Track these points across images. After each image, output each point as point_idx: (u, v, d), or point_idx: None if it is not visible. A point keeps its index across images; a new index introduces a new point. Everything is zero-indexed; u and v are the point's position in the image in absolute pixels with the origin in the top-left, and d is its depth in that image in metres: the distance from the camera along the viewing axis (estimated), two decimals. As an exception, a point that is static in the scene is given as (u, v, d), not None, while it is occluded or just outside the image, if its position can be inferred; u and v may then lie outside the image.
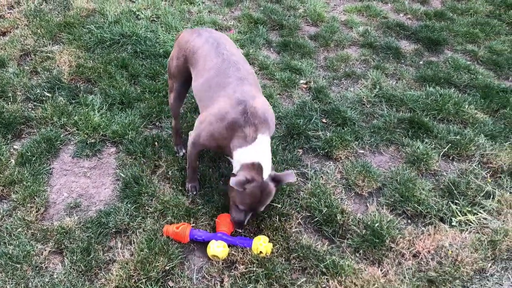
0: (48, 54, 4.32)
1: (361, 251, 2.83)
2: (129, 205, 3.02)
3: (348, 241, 2.89)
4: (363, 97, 4.10)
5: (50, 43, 4.49)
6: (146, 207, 3.01)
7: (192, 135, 2.89)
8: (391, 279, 2.67)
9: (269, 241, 2.78)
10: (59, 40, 4.56)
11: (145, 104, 3.84)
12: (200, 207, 3.02)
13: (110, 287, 2.55)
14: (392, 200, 3.17)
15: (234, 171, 2.70)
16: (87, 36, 4.56)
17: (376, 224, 2.94)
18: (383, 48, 4.87)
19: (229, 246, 2.76)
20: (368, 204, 3.16)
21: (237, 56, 2.94)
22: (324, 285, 2.63)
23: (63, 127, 3.61)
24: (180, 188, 3.17)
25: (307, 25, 5.39)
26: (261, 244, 2.71)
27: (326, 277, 2.66)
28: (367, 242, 2.86)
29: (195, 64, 2.97)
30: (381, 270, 2.72)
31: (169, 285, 2.63)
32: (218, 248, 2.70)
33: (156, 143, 3.49)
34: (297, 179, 3.19)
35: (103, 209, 3.01)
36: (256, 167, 2.56)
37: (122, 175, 3.23)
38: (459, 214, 3.09)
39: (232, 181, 2.52)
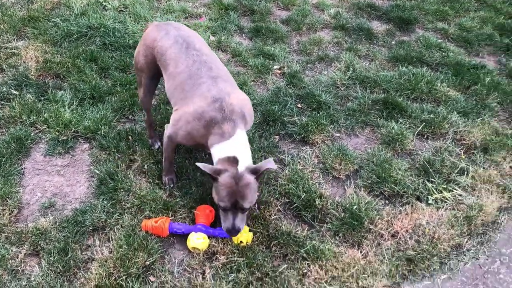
0: (13, 50, 4.17)
1: (340, 235, 2.85)
2: (105, 202, 2.97)
3: (327, 225, 2.91)
4: (337, 80, 4.10)
5: (14, 39, 4.33)
6: (123, 203, 2.97)
7: (168, 130, 2.84)
8: (371, 260, 2.71)
9: (249, 230, 2.78)
10: (24, 35, 4.41)
11: (116, 97, 3.76)
12: (178, 200, 2.99)
13: (90, 286, 2.52)
14: (369, 182, 3.19)
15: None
16: (53, 30, 4.42)
17: (355, 207, 2.96)
18: (355, 29, 4.86)
19: (209, 237, 2.75)
20: (346, 187, 3.18)
21: (208, 54, 2.88)
22: (305, 270, 2.65)
23: (33, 125, 3.51)
24: (157, 181, 3.13)
25: (278, 9, 5.34)
26: (242, 234, 2.71)
27: (307, 262, 2.68)
28: (346, 225, 2.88)
29: (166, 66, 2.91)
30: (361, 252, 2.75)
31: (150, 280, 2.61)
32: (198, 240, 2.69)
33: (130, 137, 3.42)
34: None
35: (78, 208, 2.95)
36: (231, 160, 2.50)
37: (97, 171, 3.17)
38: (435, 192, 3.14)
39: (202, 166, 2.47)
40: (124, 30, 4.53)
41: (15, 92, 3.77)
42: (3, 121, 3.52)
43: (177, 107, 2.80)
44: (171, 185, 3.09)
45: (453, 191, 3.14)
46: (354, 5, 5.35)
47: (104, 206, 2.94)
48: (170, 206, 2.94)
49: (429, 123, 3.66)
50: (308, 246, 2.73)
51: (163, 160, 3.05)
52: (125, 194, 3.02)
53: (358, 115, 3.73)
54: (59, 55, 4.16)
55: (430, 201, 3.08)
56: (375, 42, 4.71)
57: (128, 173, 3.18)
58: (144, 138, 3.41)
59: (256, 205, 2.94)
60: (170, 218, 2.87)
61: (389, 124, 3.64)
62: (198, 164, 2.47)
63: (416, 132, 3.60)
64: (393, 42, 4.64)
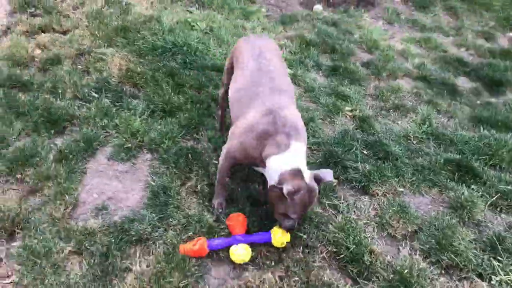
0: (102, 56, 4.44)
1: (386, 298, 2.65)
2: (153, 214, 2.99)
3: (373, 284, 2.72)
4: (410, 132, 3.90)
5: (105, 45, 4.61)
6: (170, 219, 2.97)
7: (224, 148, 2.91)
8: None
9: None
10: (114, 43, 4.68)
11: (186, 114, 3.84)
12: (223, 227, 2.95)
13: (122, 298, 2.53)
14: (427, 246, 2.95)
15: (271, 182, 2.62)
16: (140, 42, 4.65)
17: (406, 270, 2.74)
18: (438, 83, 4.63)
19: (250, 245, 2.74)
20: (400, 248, 2.97)
21: (276, 67, 2.98)
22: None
23: (104, 129, 3.67)
24: (207, 203, 3.11)
25: (361, 51, 5.25)
26: (282, 236, 2.72)
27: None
28: (394, 288, 2.67)
29: (236, 68, 3.12)
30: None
31: (181, 305, 2.57)
32: (241, 253, 2.69)
33: (190, 155, 3.46)
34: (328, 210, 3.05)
35: (127, 215, 3.00)
36: (297, 174, 2.51)
37: (152, 183, 3.22)
38: (501, 272, 2.82)
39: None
40: (206, 51, 4.66)
41: (95, 95, 3.98)
42: (78, 120, 3.72)
43: (234, 122, 2.90)
44: (220, 210, 3.06)
45: (522, 275, 2.81)
46: (441, 58, 5.14)
47: (152, 219, 2.96)
48: (214, 231, 2.90)
49: (505, 195, 3.34)
50: (349, 303, 2.56)
51: (216, 182, 3.03)
52: (174, 210, 3.03)
53: (427, 173, 3.50)
54: (141, 66, 4.35)
55: (493, 282, 2.77)
56: (458, 98, 4.45)
57: (180, 190, 3.19)
58: (203, 158, 3.43)
59: None
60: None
61: (460, 188, 3.37)
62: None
63: (489, 202, 3.30)
64: (478, 102, 4.36)
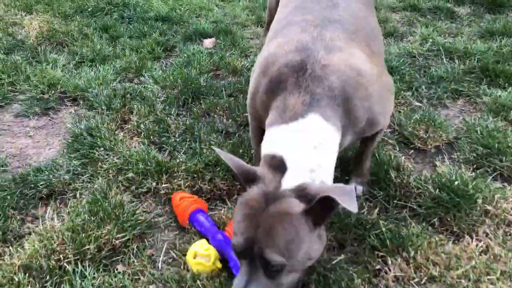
0: (16, 20, 3.54)
1: (436, 221, 1.70)
2: (74, 162, 2.03)
3: (413, 206, 1.78)
4: (413, 50, 3.07)
5: (21, 14, 3.71)
6: (99, 164, 2.01)
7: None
8: (497, 254, 1.53)
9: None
10: (34, 10, 3.78)
11: (122, 60, 2.95)
12: (180, 161, 1.99)
13: (13, 267, 1.51)
14: (474, 155, 2.05)
15: None
16: (66, 4, 3.80)
17: (456, 182, 1.81)
18: (430, 10, 3.86)
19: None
20: (437, 163, 2.04)
21: None
22: (377, 266, 1.51)
23: (12, 85, 2.72)
24: (156, 142, 2.17)
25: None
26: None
27: (380, 253, 1.55)
28: (445, 207, 1.73)
29: None
30: (477, 245, 1.57)
31: (117, 269, 1.57)
32: (202, 258, 1.55)
33: (128, 94, 2.53)
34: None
35: (33, 166, 2.02)
36: (275, 164, 1.34)
37: (73, 128, 2.26)
38: None
39: (224, 155, 1.37)
40: (147, 6, 3.82)
41: (2, 56, 3.05)
42: (-22, 80, 2.77)
43: None
44: None
45: None
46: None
47: (72, 166, 2.00)
48: (166, 168, 1.94)
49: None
50: (383, 228, 1.61)
51: None
52: (104, 153, 2.07)
53: (446, 84, 2.64)
54: (65, 26, 3.47)
55: None
56: (458, 21, 3.67)
57: (116, 132, 2.25)
58: (147, 97, 2.51)
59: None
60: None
61: (494, 92, 2.52)
62: (215, 149, 1.44)
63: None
64: (482, 24, 3.57)
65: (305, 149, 1.35)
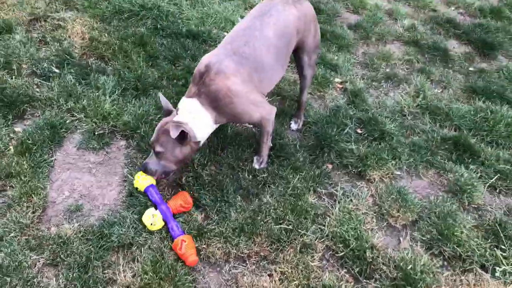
0: (60, 22, 3.90)
1: (392, 298, 2.52)
2: (135, 216, 2.70)
3: (376, 283, 2.57)
4: (404, 107, 3.66)
5: (63, 8, 4.04)
6: (154, 220, 2.70)
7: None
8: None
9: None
10: (73, 6, 4.11)
11: (162, 91, 3.46)
12: (213, 226, 2.70)
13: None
14: (428, 237, 2.82)
15: None
16: (103, 4, 4.11)
17: (409, 266, 2.60)
18: (430, 48, 4.35)
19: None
20: (401, 238, 2.82)
21: (266, 36, 2.74)
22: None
23: (69, 112, 3.26)
24: (195, 195, 2.84)
25: (347, 12, 4.86)
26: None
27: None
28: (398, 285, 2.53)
29: None
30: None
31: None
32: (147, 219, 2.64)
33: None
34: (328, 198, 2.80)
35: (106, 218, 2.70)
36: (173, 112, 2.70)
37: (130, 177, 2.89)
38: (504, 262, 2.73)
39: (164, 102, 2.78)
40: (178, 14, 4.17)
41: (56, 70, 3.51)
42: (39, 102, 3.28)
43: None
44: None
45: (525, 264, 2.74)
46: (431, 19, 4.82)
47: (133, 221, 2.68)
48: (203, 232, 2.65)
49: (504, 175, 3.21)
50: (353, 308, 2.42)
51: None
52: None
53: (423, 153, 3.31)
54: (106, 34, 3.86)
55: (497, 273, 2.68)
56: (450, 66, 4.20)
57: (163, 184, 2.90)
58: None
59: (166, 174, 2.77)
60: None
61: (458, 169, 3.21)
62: (160, 95, 2.81)
63: (488, 184, 3.16)
64: (471, 69, 4.12)
65: (186, 114, 2.64)
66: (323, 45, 4.23)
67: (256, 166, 3.03)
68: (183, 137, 2.59)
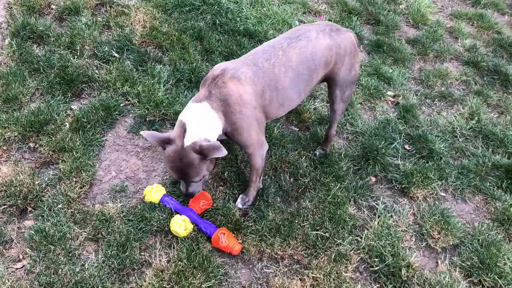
0: (124, 9, 4.03)
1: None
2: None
3: (409, 303, 2.52)
4: (457, 128, 3.56)
5: (128, -4, 4.18)
6: (194, 210, 2.75)
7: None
8: None
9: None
10: (139, -7, 4.24)
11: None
12: (250, 223, 2.72)
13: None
14: (468, 263, 2.72)
15: None
16: (167, -4, 4.23)
17: (446, 291, 2.53)
18: (490, 70, 4.21)
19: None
20: (439, 261, 2.74)
21: (288, 58, 2.57)
22: None
23: (124, 96, 3.37)
24: (234, 193, 2.87)
25: (406, 25, 4.78)
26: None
27: None
28: (431, 310, 2.48)
29: None
30: None
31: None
32: (179, 227, 2.59)
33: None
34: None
35: (148, 202, 2.77)
36: (182, 128, 2.36)
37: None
38: (547, 301, 2.61)
39: (147, 134, 2.43)
40: (237, 12, 4.23)
41: (116, 55, 3.64)
42: (97, 83, 3.41)
43: None
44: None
45: None
46: (495, 41, 4.66)
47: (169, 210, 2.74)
48: (240, 228, 2.68)
49: (556, 210, 3.07)
50: (383, 325, 2.37)
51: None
52: (197, 200, 2.79)
53: (472, 177, 3.21)
54: (167, 24, 3.96)
55: (538, 311, 2.57)
56: (510, 91, 4.05)
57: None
58: (231, 144, 3.16)
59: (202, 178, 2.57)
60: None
61: (508, 199, 3.09)
62: (142, 133, 2.43)
63: (537, 218, 3.03)
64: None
65: (200, 120, 2.37)
66: (380, 57, 4.18)
67: (240, 205, 2.82)
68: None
